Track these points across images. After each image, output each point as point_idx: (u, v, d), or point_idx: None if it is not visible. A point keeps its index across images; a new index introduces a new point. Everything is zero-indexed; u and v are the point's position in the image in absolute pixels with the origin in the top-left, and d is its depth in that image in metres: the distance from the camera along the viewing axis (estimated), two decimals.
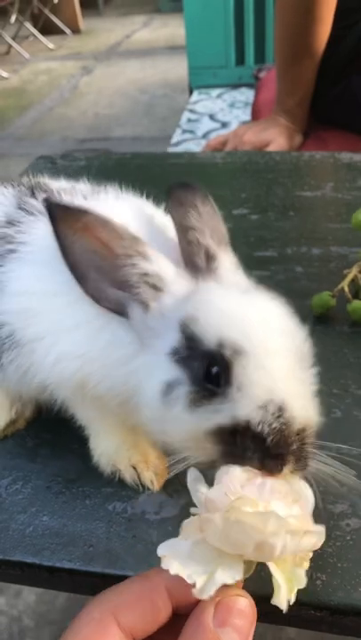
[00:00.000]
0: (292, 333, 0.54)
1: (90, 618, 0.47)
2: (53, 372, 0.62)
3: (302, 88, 1.83)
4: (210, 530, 0.46)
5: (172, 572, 0.46)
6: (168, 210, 0.66)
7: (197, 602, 0.47)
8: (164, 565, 0.46)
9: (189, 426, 0.53)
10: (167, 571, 0.48)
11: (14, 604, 1.86)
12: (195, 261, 0.60)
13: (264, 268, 1.01)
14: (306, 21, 1.68)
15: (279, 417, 0.49)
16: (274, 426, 0.49)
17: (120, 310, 0.58)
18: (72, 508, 0.66)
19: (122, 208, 0.67)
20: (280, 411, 0.50)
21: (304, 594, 0.56)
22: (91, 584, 0.61)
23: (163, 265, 0.58)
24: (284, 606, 0.46)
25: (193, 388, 0.53)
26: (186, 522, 0.49)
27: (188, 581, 0.45)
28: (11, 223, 0.68)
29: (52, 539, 0.63)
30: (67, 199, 0.68)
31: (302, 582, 0.48)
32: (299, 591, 0.56)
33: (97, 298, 0.58)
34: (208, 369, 0.52)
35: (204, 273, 0.60)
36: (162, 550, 0.48)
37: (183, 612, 0.49)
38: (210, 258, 0.60)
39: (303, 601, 0.56)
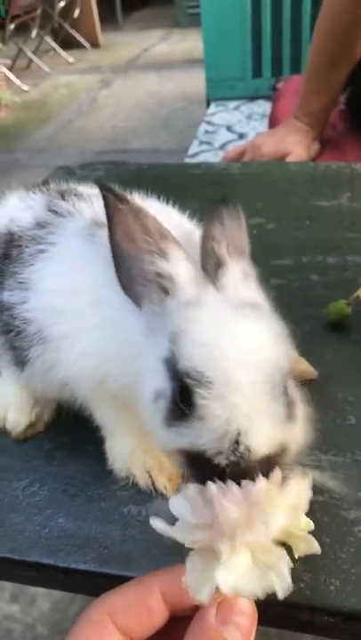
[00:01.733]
0: (267, 363, 0.53)
1: (87, 619, 0.49)
2: (75, 369, 0.65)
3: (332, 91, 1.81)
4: (254, 536, 0.47)
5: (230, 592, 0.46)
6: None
7: (194, 605, 0.49)
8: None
9: (163, 440, 0.55)
10: (161, 574, 0.51)
11: (28, 612, 1.86)
12: (206, 269, 0.61)
13: (280, 276, 1.01)
14: (348, 22, 1.65)
15: (235, 450, 0.49)
16: (231, 458, 0.49)
17: (138, 304, 0.59)
18: (87, 510, 0.66)
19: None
20: (236, 444, 0.49)
21: (318, 599, 0.56)
22: (105, 586, 0.61)
23: (181, 267, 0.58)
24: (318, 548, 0.51)
25: (170, 405, 0.54)
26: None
27: (261, 596, 0.46)
28: (41, 225, 0.71)
29: (67, 540, 0.64)
30: (97, 204, 0.69)
31: (315, 545, 0.51)
32: (312, 597, 0.56)
33: (125, 286, 0.59)
34: (181, 390, 0.52)
35: (212, 280, 0.60)
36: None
37: (180, 614, 0.51)
38: (218, 265, 0.60)
39: (317, 606, 0.56)
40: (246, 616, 0.48)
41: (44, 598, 1.89)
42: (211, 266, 0.60)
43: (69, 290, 0.65)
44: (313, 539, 0.50)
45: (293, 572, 0.49)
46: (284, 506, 0.48)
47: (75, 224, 0.69)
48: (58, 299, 0.65)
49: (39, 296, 0.67)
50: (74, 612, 1.83)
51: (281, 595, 0.46)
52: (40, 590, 1.91)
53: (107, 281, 0.61)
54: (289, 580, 0.46)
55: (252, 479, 0.49)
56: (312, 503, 0.63)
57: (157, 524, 0.51)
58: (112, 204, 0.58)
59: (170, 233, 0.58)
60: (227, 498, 0.48)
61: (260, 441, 0.50)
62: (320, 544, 0.59)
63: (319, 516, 0.62)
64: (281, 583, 0.46)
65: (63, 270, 0.67)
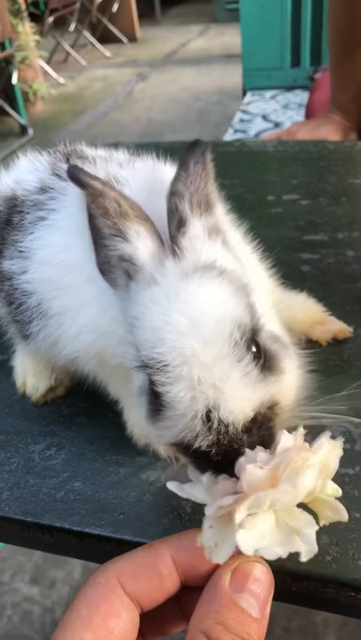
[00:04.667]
0: (223, 321, 0.49)
1: (95, 582, 0.47)
2: (75, 345, 0.63)
3: (354, 84, 1.78)
4: (282, 496, 0.43)
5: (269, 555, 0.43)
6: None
7: (206, 572, 0.47)
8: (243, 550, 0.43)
9: (154, 438, 0.53)
10: (172, 539, 0.48)
11: (48, 595, 1.85)
12: (170, 229, 0.57)
13: (314, 251, 0.97)
14: (355, 14, 1.63)
15: (210, 427, 0.46)
16: (211, 438, 0.46)
17: (115, 289, 0.57)
18: (105, 475, 0.64)
19: (145, 177, 0.65)
20: (209, 420, 0.46)
21: (344, 574, 0.53)
22: (120, 554, 0.59)
23: (140, 245, 0.54)
24: (345, 516, 0.46)
25: (148, 398, 0.51)
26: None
27: (284, 556, 0.43)
28: (44, 190, 0.67)
29: (82, 504, 0.61)
30: (101, 167, 0.66)
31: (343, 512, 0.47)
32: (338, 571, 0.53)
33: (102, 269, 0.57)
34: (150, 382, 0.50)
35: (173, 243, 0.55)
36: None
37: (193, 583, 0.48)
38: (180, 224, 0.56)
39: (343, 581, 0.53)
40: (263, 584, 0.45)
41: (64, 582, 1.88)
42: (174, 225, 0.56)
43: (68, 262, 0.62)
44: (341, 505, 0.46)
45: (320, 545, 0.46)
46: (313, 466, 0.44)
47: (76, 189, 0.64)
48: (57, 271, 0.63)
49: (37, 267, 0.64)
50: None
51: (304, 558, 0.42)
52: (60, 574, 1.90)
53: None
54: (315, 546, 0.43)
55: (240, 453, 0.46)
56: (343, 476, 0.60)
57: (175, 486, 0.49)
58: (83, 187, 0.55)
59: (129, 209, 0.55)
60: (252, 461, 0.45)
61: (234, 408, 0.46)
62: (349, 518, 0.56)
63: (349, 490, 0.59)
64: (307, 548, 0.43)
65: (62, 241, 0.64)
